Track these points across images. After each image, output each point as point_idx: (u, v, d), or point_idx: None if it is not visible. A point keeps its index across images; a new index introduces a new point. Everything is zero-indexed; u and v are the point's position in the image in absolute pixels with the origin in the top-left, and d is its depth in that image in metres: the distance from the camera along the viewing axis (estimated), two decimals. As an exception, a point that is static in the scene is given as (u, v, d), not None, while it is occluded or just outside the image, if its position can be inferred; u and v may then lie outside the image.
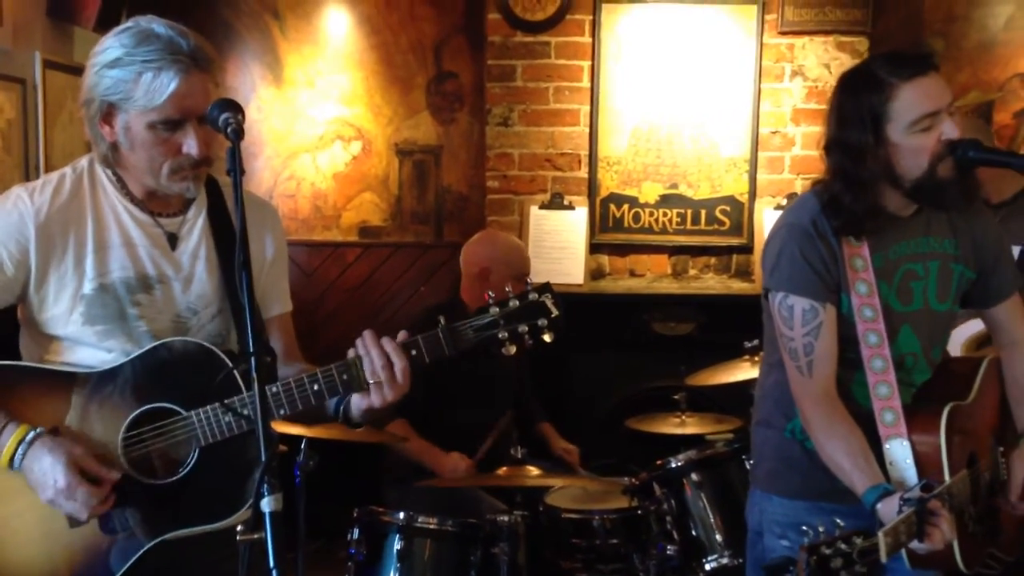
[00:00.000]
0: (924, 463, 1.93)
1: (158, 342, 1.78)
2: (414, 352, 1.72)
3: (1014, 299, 2.16)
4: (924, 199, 2.01)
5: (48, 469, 1.68)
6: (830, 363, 1.99)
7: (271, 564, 1.35)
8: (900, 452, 1.93)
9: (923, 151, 1.93)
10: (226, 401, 1.71)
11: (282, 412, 1.73)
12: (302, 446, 2.77)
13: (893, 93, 1.92)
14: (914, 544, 1.76)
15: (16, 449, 1.69)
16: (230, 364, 1.74)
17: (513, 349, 1.73)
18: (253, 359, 1.48)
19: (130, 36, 1.71)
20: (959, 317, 2.62)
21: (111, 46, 1.72)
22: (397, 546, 2.79)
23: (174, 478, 1.76)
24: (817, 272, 1.99)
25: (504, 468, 3.05)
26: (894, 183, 1.98)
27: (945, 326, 2.13)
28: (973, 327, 2.72)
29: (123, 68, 1.70)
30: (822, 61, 4.43)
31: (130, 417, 1.75)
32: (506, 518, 2.82)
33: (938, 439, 1.94)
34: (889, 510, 1.80)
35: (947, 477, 1.92)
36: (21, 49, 3.48)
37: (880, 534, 1.67)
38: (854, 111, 1.96)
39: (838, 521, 1.70)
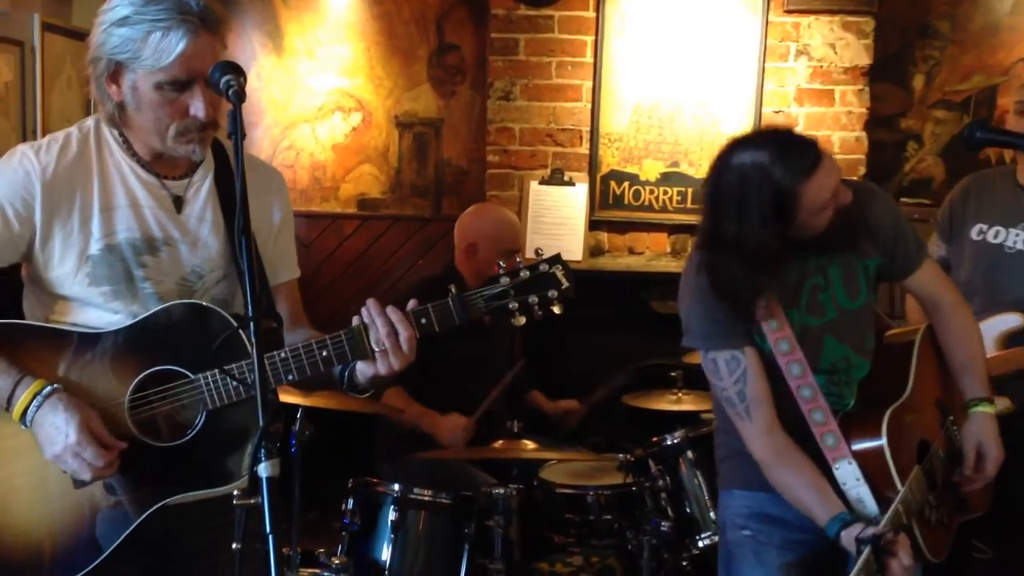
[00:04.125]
0: (873, 475, 1.96)
1: (165, 304, 1.78)
2: (423, 321, 1.72)
3: (926, 267, 2.19)
4: (826, 248, 2.04)
5: (61, 424, 1.68)
6: (766, 402, 2.03)
7: (267, 529, 1.35)
8: (849, 472, 1.97)
9: (827, 219, 1.97)
10: (229, 367, 1.70)
11: (290, 377, 1.73)
12: (298, 416, 2.77)
13: (801, 191, 1.92)
14: None
15: (31, 401, 1.69)
16: (236, 327, 1.73)
17: (523, 320, 1.73)
18: (252, 324, 1.47)
19: None
20: (985, 313, 2.62)
21: (120, 4, 1.70)
22: (392, 517, 2.80)
23: (181, 441, 1.76)
24: (724, 325, 2.03)
25: (500, 441, 3.06)
26: (799, 241, 2.01)
27: (867, 318, 2.14)
28: (1001, 324, 2.71)
29: (131, 27, 1.68)
30: (827, 41, 4.40)
31: (137, 379, 1.75)
32: (501, 491, 2.83)
33: (882, 448, 1.97)
34: (848, 540, 1.87)
35: (898, 485, 1.95)
36: (20, 11, 3.45)
37: None
38: (756, 211, 1.93)
39: None
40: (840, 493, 1.96)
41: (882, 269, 2.15)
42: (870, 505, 1.94)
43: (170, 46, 1.67)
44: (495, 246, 3.30)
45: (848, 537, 1.87)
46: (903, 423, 2.02)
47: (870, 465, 1.96)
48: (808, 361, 2.02)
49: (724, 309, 2.02)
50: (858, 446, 1.98)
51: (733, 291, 1.99)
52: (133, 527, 1.74)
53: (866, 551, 1.79)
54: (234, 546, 1.44)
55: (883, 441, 1.96)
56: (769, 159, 1.94)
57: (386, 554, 2.80)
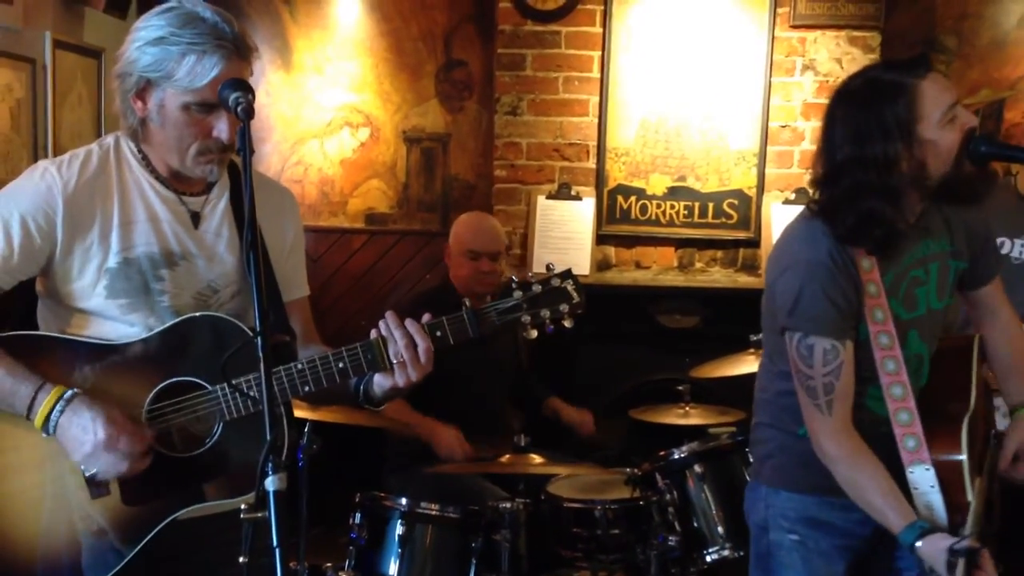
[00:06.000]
0: (947, 485, 1.92)
1: (183, 316, 1.80)
2: (439, 333, 1.75)
3: (997, 281, 2.18)
4: (951, 197, 1.99)
5: (88, 424, 1.70)
6: (849, 399, 1.98)
7: (274, 543, 1.35)
8: (924, 477, 1.92)
9: (954, 144, 1.92)
10: (247, 378, 1.72)
11: (307, 388, 1.75)
12: (306, 429, 2.77)
13: (917, 92, 1.90)
14: None
15: (55, 406, 1.71)
16: (252, 337, 1.75)
17: (534, 333, 1.77)
18: (260, 339, 1.49)
19: (176, 16, 1.73)
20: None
21: (155, 24, 1.74)
22: (399, 531, 2.80)
23: (199, 451, 1.77)
24: (840, 310, 1.95)
25: (507, 456, 3.06)
26: (920, 185, 1.95)
27: (942, 321, 2.13)
28: None
29: (167, 47, 1.71)
30: (834, 56, 4.41)
31: (155, 390, 1.77)
32: (508, 505, 2.82)
33: (960, 460, 1.94)
34: (930, 549, 1.82)
35: (970, 496, 1.92)
36: (32, 29, 3.48)
37: None
38: (874, 122, 1.91)
39: None
40: (907, 498, 1.91)
41: (964, 274, 2.12)
42: (939, 513, 1.89)
43: (205, 70, 1.70)
44: (458, 247, 3.44)
45: (929, 546, 1.82)
46: (972, 434, 1.99)
47: (944, 474, 1.92)
48: None
49: (842, 290, 1.94)
50: (935, 456, 1.94)
51: (879, 222, 1.90)
52: (149, 537, 1.76)
53: (961, 563, 1.77)
54: (241, 560, 1.44)
55: (963, 451, 1.93)
56: (879, 70, 1.95)
57: (393, 568, 2.80)
